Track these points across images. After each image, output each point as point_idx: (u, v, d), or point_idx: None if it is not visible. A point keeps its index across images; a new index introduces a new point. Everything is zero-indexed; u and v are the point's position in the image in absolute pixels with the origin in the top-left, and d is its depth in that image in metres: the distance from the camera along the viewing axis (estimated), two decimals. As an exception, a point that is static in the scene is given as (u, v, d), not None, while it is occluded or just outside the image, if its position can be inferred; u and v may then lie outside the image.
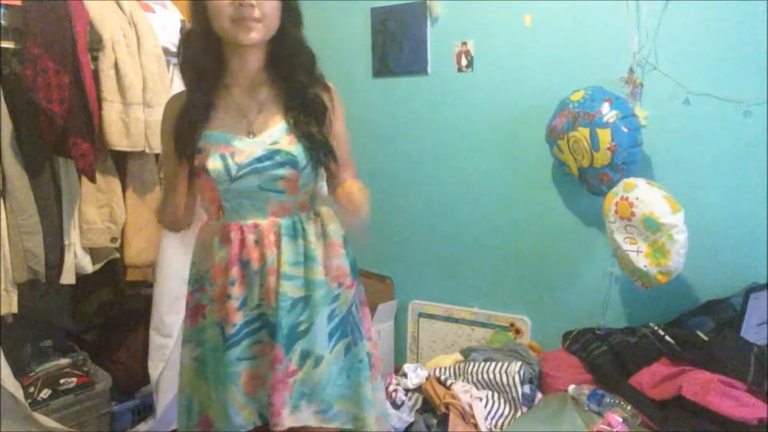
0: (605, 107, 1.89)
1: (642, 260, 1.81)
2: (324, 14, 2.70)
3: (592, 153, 1.91)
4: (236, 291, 1.31)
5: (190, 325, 1.40)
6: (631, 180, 1.87)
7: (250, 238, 1.31)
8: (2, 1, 1.74)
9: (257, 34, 1.23)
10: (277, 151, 1.28)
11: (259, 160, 1.28)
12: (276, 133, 1.30)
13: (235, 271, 1.31)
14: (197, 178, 1.32)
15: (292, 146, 1.29)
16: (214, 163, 1.26)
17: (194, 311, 1.39)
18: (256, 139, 1.29)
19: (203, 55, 1.28)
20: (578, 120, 1.93)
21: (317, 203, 1.41)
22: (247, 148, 1.28)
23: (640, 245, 1.83)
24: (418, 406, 2.01)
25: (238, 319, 1.31)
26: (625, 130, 1.87)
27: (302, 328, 1.33)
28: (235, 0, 1.19)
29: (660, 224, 1.75)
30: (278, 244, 1.31)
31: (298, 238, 1.33)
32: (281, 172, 1.29)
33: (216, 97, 1.33)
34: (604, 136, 1.87)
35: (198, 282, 1.39)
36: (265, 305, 1.32)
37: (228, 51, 1.30)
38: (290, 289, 1.31)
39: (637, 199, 1.81)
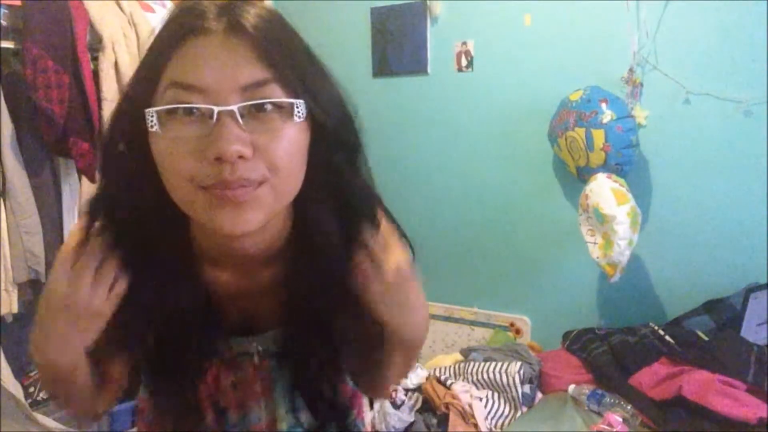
0: (601, 108, 1.89)
1: (596, 251, 1.84)
2: (324, 14, 2.70)
3: (588, 153, 1.91)
4: None
5: None
6: (598, 174, 1.88)
7: None
8: (2, 1, 1.74)
9: (256, 214, 0.58)
10: None
11: None
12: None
13: None
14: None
15: None
16: None
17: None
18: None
19: (139, 201, 0.62)
20: (575, 120, 1.93)
21: None
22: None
23: (596, 237, 1.84)
24: (418, 406, 2.01)
25: None
26: (620, 131, 1.87)
27: None
28: (206, 151, 0.54)
29: (604, 215, 1.77)
30: None
31: None
32: None
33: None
34: (599, 137, 1.87)
35: None
36: None
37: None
38: None
39: (591, 191, 1.82)
